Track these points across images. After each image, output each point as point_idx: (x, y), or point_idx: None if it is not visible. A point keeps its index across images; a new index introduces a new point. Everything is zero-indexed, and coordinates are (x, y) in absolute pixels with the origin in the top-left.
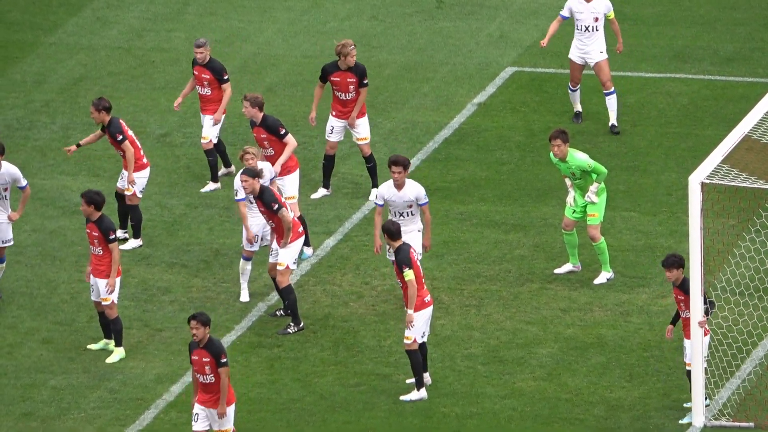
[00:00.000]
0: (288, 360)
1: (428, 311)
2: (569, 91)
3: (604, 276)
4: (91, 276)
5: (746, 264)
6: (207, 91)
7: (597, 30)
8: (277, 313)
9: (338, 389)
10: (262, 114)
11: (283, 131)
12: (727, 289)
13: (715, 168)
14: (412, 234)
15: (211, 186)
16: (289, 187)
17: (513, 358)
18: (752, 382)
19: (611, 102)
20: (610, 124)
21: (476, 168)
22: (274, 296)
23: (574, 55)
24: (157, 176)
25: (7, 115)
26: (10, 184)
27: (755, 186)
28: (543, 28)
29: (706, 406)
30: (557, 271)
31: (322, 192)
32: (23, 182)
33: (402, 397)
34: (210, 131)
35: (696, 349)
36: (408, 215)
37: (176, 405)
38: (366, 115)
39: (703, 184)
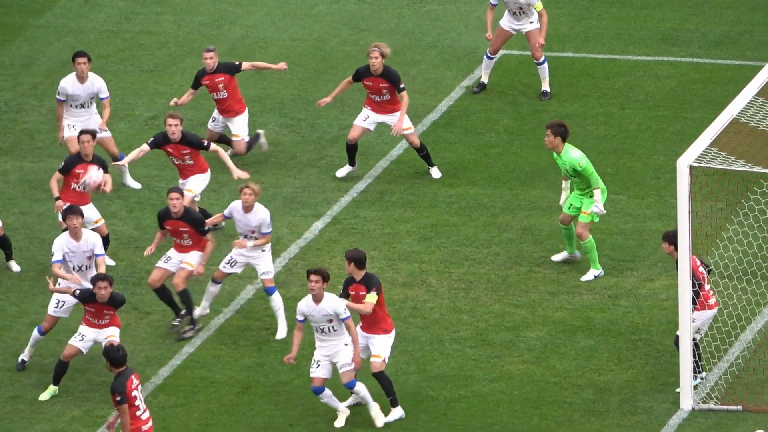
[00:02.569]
0: (276, 343)
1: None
2: (486, 58)
3: (591, 273)
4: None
5: (734, 247)
6: (223, 95)
7: (524, 13)
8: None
9: None
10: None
11: (205, 143)
12: (716, 273)
13: (704, 151)
14: (339, 347)
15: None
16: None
17: (501, 341)
18: (740, 365)
19: (543, 71)
20: (542, 90)
21: (464, 151)
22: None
23: (506, 24)
24: (146, 159)
25: None
26: (92, 251)
27: (743, 169)
28: None
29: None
30: (555, 258)
31: (347, 169)
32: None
33: (385, 420)
34: (242, 130)
35: (684, 330)
36: (329, 331)
37: (164, 388)
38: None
39: (691, 168)
